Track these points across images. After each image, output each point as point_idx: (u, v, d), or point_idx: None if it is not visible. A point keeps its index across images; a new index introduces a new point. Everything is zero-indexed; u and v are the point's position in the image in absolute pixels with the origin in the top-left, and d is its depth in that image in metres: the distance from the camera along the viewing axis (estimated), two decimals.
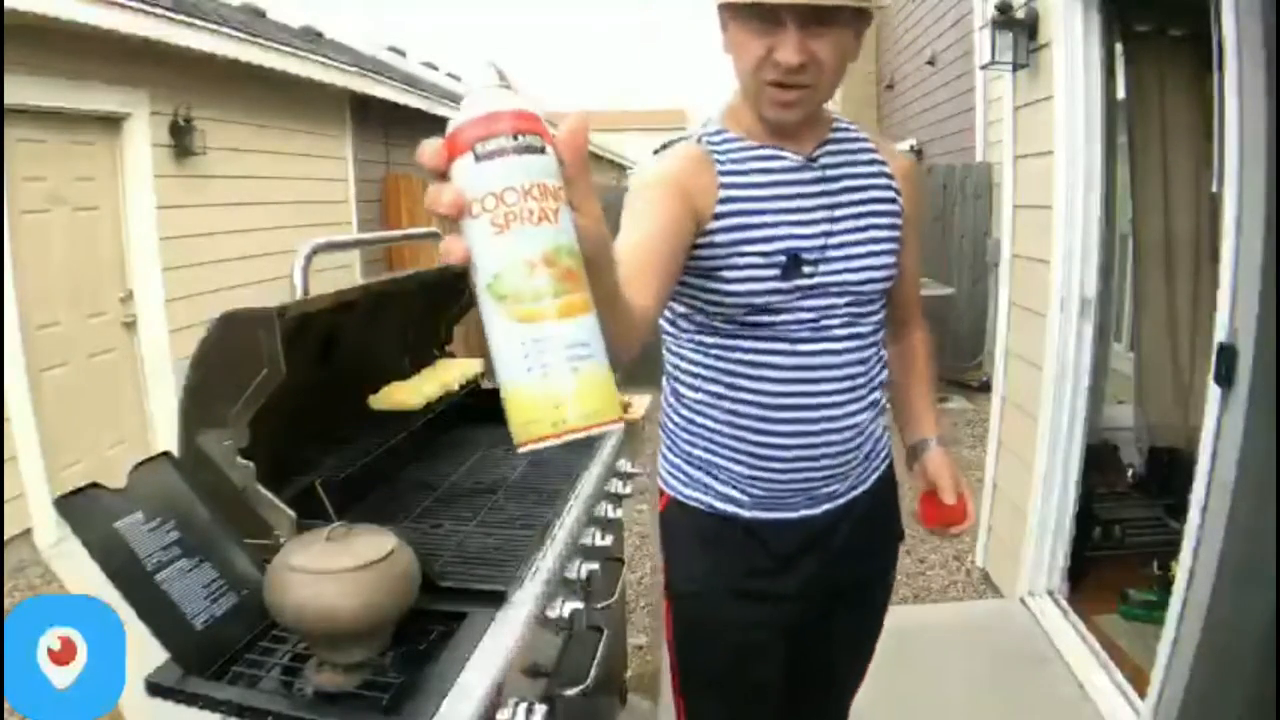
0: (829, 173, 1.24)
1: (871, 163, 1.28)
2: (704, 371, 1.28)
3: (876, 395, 1.31)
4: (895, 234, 1.27)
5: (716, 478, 1.31)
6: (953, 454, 1.44)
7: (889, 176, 1.29)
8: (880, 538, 1.45)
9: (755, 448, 1.26)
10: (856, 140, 1.29)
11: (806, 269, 1.20)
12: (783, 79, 1.12)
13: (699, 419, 1.30)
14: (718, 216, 1.18)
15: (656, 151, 1.27)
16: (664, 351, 1.37)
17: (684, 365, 1.31)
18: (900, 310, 1.40)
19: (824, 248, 1.21)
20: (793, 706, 1.45)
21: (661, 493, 1.41)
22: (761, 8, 1.09)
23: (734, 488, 1.30)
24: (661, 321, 1.31)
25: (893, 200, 1.28)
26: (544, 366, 0.55)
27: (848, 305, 1.24)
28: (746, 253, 1.19)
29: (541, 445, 0.56)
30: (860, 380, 1.27)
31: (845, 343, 1.24)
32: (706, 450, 1.31)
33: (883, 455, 1.39)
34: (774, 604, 1.32)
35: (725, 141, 1.24)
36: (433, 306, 2.12)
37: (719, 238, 1.18)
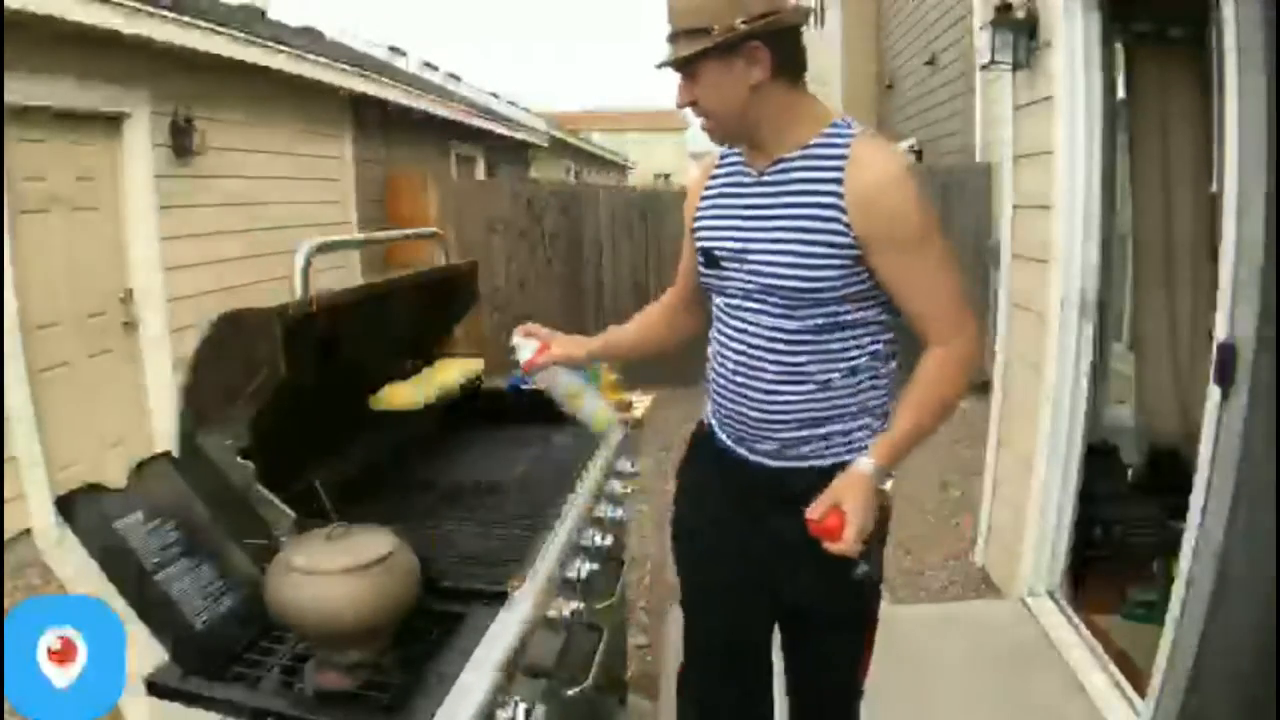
0: (769, 189, 1.43)
1: (826, 184, 1.37)
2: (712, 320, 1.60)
3: (808, 385, 1.43)
4: (825, 251, 1.37)
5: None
6: (869, 480, 1.35)
7: (837, 209, 1.36)
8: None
9: (713, 385, 1.57)
10: (827, 159, 1.38)
11: (725, 264, 1.48)
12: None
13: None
14: (695, 218, 1.56)
15: (695, 157, 1.45)
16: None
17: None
18: (915, 326, 1.42)
19: (743, 251, 1.45)
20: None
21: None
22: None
23: (712, 413, 1.61)
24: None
25: (829, 227, 1.37)
26: None
27: (772, 300, 1.42)
28: (696, 245, 1.54)
29: None
30: (768, 359, 1.45)
31: (760, 330, 1.45)
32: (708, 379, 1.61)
33: (836, 451, 1.46)
34: (716, 498, 1.59)
35: (732, 155, 1.51)
36: (433, 306, 2.12)
37: (693, 233, 1.56)
